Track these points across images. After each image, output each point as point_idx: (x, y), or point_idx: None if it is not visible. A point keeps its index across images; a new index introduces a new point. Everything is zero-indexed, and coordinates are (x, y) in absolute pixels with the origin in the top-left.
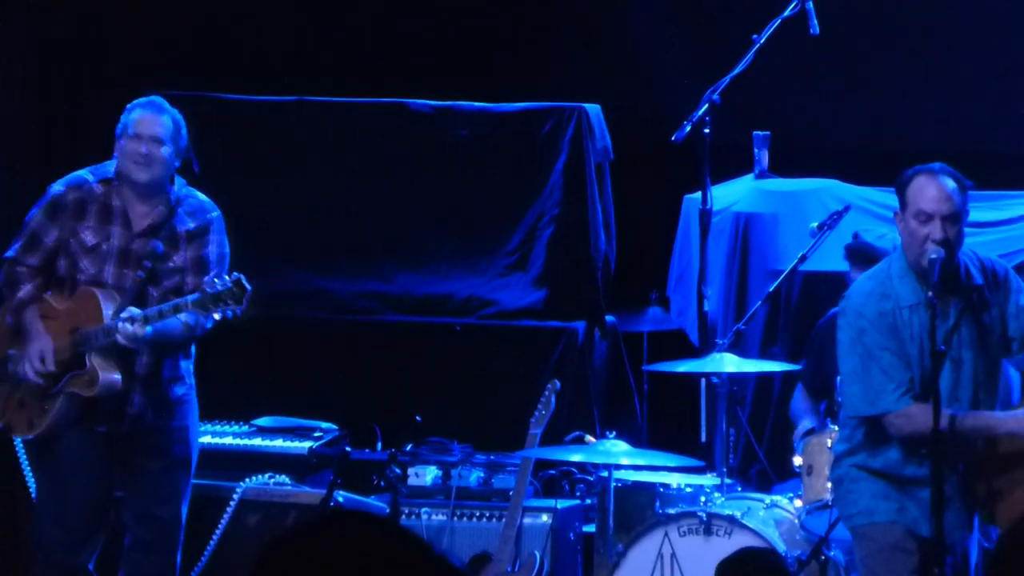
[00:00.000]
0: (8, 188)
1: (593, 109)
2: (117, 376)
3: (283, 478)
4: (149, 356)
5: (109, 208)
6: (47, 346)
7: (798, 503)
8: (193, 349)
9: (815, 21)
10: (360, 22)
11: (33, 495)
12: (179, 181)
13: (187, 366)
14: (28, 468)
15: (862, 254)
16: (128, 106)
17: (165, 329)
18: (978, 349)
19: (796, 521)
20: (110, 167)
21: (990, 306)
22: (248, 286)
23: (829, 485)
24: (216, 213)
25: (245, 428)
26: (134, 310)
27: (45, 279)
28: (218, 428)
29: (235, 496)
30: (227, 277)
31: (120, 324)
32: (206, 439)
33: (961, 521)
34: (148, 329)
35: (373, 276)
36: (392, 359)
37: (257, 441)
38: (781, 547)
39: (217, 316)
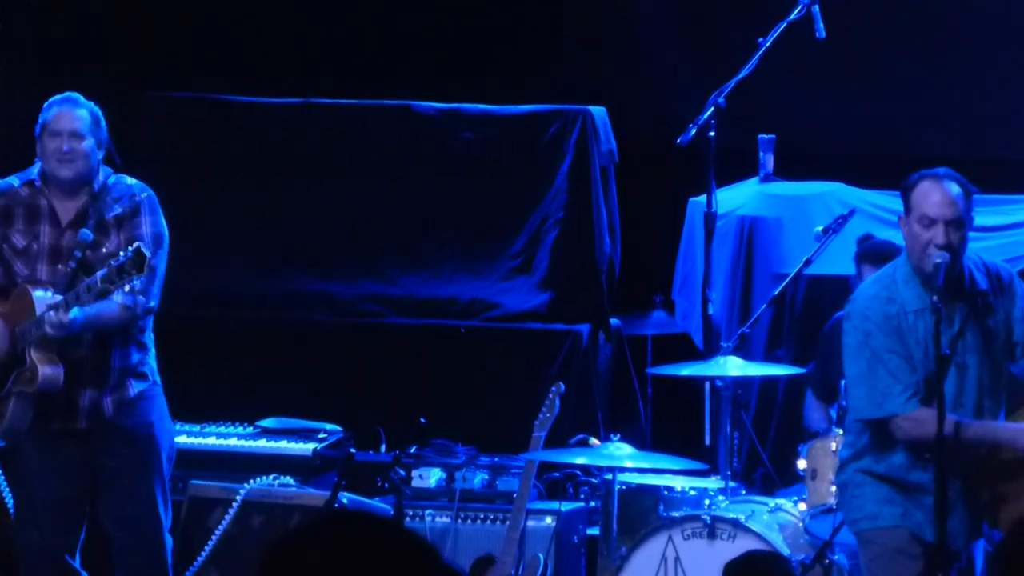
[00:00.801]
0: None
1: (598, 112)
2: (56, 368)
3: (287, 480)
4: (90, 344)
5: (35, 208)
6: None
7: (802, 507)
8: (150, 341)
9: (821, 25)
10: (365, 24)
11: (8, 502)
12: (105, 171)
13: (144, 358)
14: (2, 476)
15: (878, 253)
16: (45, 104)
17: (97, 313)
18: (983, 354)
19: (800, 525)
20: (34, 170)
21: (995, 311)
22: (147, 253)
23: (833, 489)
24: (146, 194)
25: (249, 430)
26: (57, 297)
27: None
28: (223, 430)
29: (238, 497)
30: (129, 249)
31: (47, 314)
32: (211, 441)
33: (965, 527)
34: (72, 313)
35: (377, 279)
36: (396, 361)
37: (261, 443)
38: (785, 551)
39: (126, 288)
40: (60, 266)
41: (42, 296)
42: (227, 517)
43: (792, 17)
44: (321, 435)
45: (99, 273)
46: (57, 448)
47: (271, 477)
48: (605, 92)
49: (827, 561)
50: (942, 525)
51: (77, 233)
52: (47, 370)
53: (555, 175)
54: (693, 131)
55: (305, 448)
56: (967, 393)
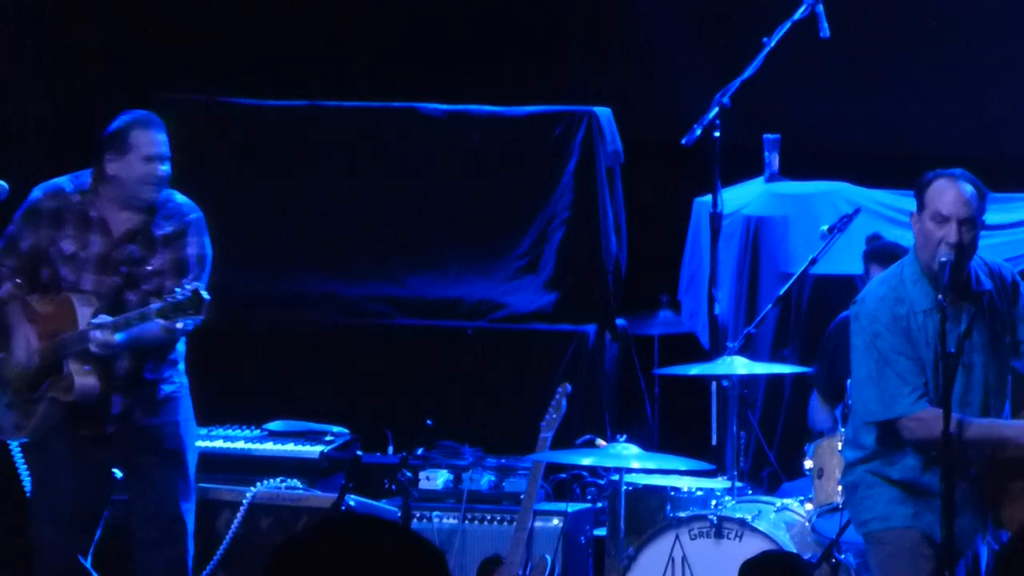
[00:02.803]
0: (22, 193)
1: (604, 112)
2: (93, 381)
3: (295, 482)
4: (129, 361)
5: (87, 217)
6: (31, 332)
7: (809, 506)
8: (183, 347)
9: (825, 24)
10: (372, 26)
11: (28, 495)
12: None
13: (174, 365)
14: (23, 469)
15: (887, 253)
16: (124, 122)
17: (141, 334)
18: (989, 353)
19: (807, 524)
20: (86, 176)
21: (1000, 310)
22: (206, 296)
23: (840, 488)
24: (195, 215)
25: (257, 432)
26: (105, 317)
27: (26, 281)
28: (230, 432)
29: (245, 500)
30: (187, 287)
31: (91, 332)
32: (218, 443)
33: (973, 525)
34: (119, 336)
35: (384, 280)
36: (403, 363)
37: (269, 445)
38: (792, 550)
39: (179, 325)
40: (106, 277)
41: (86, 310)
42: (235, 520)
43: (797, 17)
44: (328, 437)
45: (154, 306)
46: (85, 452)
47: (278, 480)
48: (610, 93)
49: (834, 560)
50: (949, 525)
51: (126, 247)
52: (85, 382)
53: (561, 176)
54: (698, 131)
55: (312, 450)
56: (973, 392)
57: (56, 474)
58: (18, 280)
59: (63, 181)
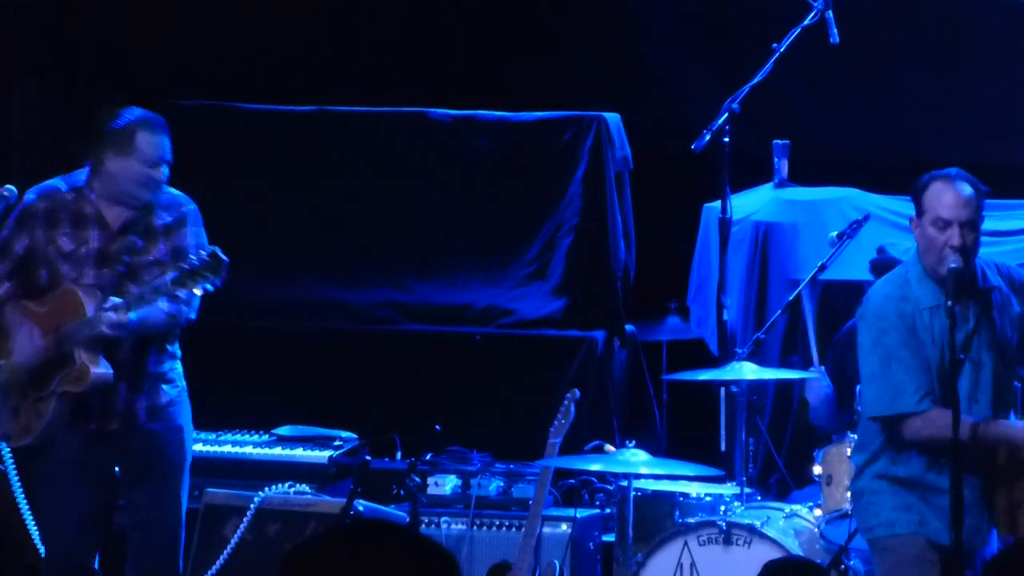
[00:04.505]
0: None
1: (613, 118)
2: (107, 367)
3: (303, 487)
4: (130, 348)
5: (82, 214)
6: (34, 330)
7: (818, 512)
8: (178, 350)
9: (835, 30)
10: (380, 32)
11: (21, 502)
12: None
13: (174, 365)
14: (14, 475)
15: (889, 268)
16: (130, 121)
17: (148, 317)
18: (997, 352)
19: (816, 530)
20: (81, 175)
21: (1009, 310)
22: (224, 258)
23: (849, 495)
24: (192, 206)
25: (265, 438)
26: (116, 300)
27: (20, 283)
28: (238, 437)
29: (253, 505)
30: (202, 252)
31: (105, 313)
32: (227, 448)
33: (980, 527)
34: (132, 315)
35: (392, 286)
36: (411, 369)
37: (277, 450)
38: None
39: (198, 291)
40: (107, 270)
41: (92, 300)
42: (243, 525)
43: (806, 23)
44: (337, 443)
45: (169, 276)
46: (90, 453)
47: (287, 485)
48: (619, 98)
49: (842, 566)
50: (958, 527)
51: (125, 239)
52: (98, 370)
53: (570, 182)
54: (707, 137)
55: (321, 456)
56: (982, 390)
57: (66, 472)
58: (12, 284)
59: (56, 181)
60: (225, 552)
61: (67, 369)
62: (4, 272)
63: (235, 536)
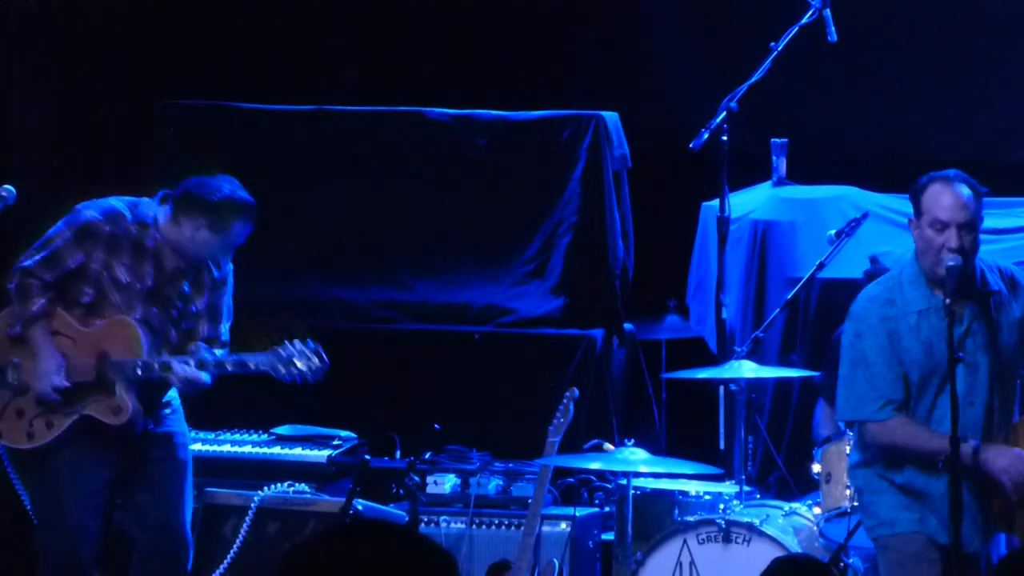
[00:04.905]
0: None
1: (611, 117)
2: (140, 408)
3: (302, 486)
4: (155, 387)
5: (143, 249)
6: (63, 364)
7: (817, 510)
8: None
9: (833, 28)
10: (378, 31)
11: (25, 501)
12: None
13: None
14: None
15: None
16: (229, 202)
17: (209, 382)
18: (994, 353)
19: (815, 528)
20: (148, 209)
21: (1008, 311)
22: (326, 361)
23: (848, 492)
24: (231, 266)
25: (264, 437)
26: (205, 355)
27: (56, 295)
28: (238, 437)
29: (253, 504)
30: (311, 342)
31: (180, 367)
32: (226, 448)
33: (980, 529)
34: (206, 376)
35: (391, 285)
36: (410, 368)
37: (276, 450)
38: None
39: (287, 380)
40: (156, 309)
41: (146, 340)
42: (243, 524)
43: (804, 21)
44: (336, 442)
45: (261, 356)
46: (94, 453)
47: (286, 484)
48: (617, 97)
49: (842, 564)
50: (957, 531)
51: (180, 283)
52: (134, 409)
53: (568, 180)
54: (706, 135)
55: (320, 455)
56: (978, 392)
57: (69, 476)
58: (51, 296)
59: (121, 207)
60: (230, 554)
61: (101, 396)
62: (48, 282)
63: (239, 537)
